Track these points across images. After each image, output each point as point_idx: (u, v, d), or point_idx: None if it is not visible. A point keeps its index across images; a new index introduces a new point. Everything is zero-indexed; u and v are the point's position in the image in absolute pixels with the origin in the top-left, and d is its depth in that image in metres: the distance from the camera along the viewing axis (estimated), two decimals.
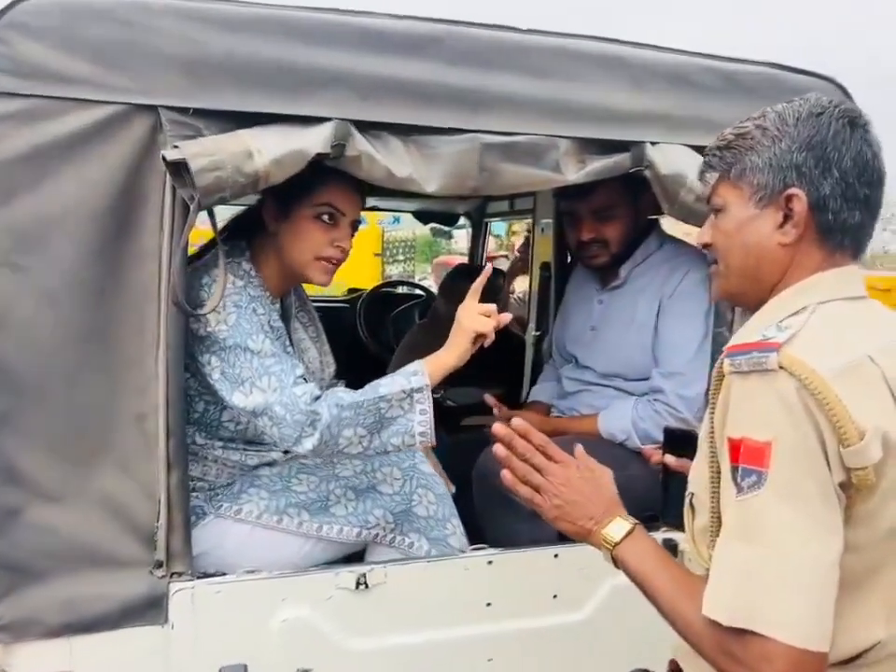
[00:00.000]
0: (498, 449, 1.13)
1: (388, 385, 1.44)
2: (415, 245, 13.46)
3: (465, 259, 5.40)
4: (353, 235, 1.58)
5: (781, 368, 0.87)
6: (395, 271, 11.96)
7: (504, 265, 5.22)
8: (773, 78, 1.66)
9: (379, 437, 1.45)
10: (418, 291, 4.17)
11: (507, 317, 1.52)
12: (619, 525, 1.08)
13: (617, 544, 1.07)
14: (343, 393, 1.44)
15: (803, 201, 0.98)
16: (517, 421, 1.14)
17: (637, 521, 1.09)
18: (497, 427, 1.14)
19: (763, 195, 1.00)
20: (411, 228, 11.73)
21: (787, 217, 0.99)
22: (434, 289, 4.27)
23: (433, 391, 2.96)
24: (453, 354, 1.49)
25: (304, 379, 1.47)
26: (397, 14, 1.41)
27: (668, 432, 1.34)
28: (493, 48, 1.46)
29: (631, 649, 1.67)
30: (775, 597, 0.85)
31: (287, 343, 1.61)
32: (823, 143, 0.97)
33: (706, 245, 1.09)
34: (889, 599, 0.94)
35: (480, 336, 1.49)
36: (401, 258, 12.91)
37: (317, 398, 1.42)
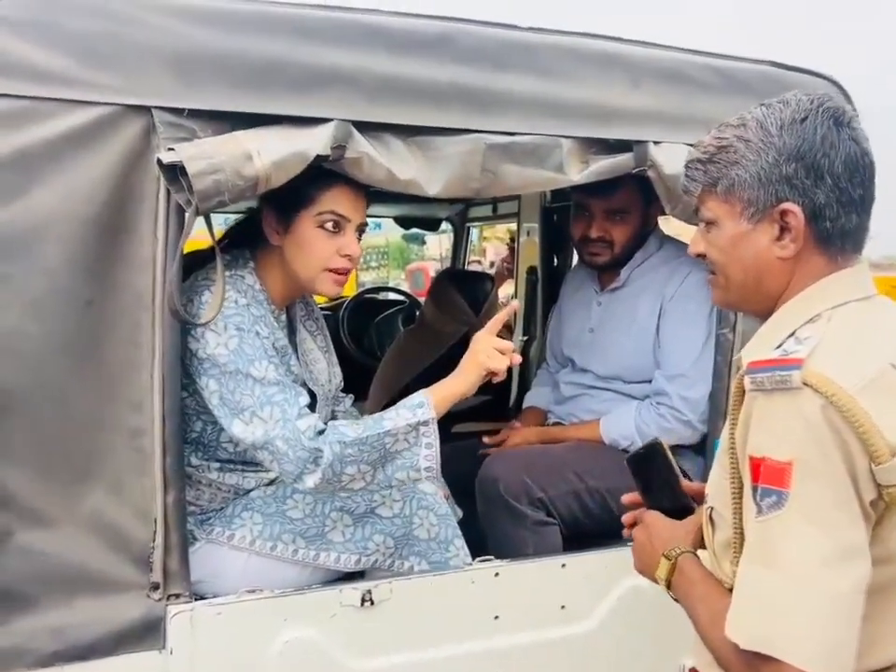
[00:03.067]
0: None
1: (393, 418, 1.37)
2: (388, 251, 13.40)
3: (438, 266, 5.36)
4: (360, 239, 1.50)
5: (806, 385, 0.85)
6: (368, 277, 11.88)
7: (482, 271, 5.20)
8: (771, 77, 1.65)
9: (383, 471, 1.39)
10: (400, 297, 4.12)
11: (518, 359, 1.47)
12: (662, 565, 1.06)
13: (668, 585, 1.05)
14: (344, 427, 1.36)
15: (799, 215, 0.95)
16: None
17: (681, 551, 1.05)
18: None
19: (756, 210, 0.97)
20: (383, 234, 11.65)
21: (783, 230, 0.97)
22: None
23: None
24: (461, 385, 1.42)
25: (310, 408, 1.40)
26: (401, 12, 1.37)
27: (631, 460, 1.23)
28: (497, 46, 1.42)
29: (641, 657, 1.65)
30: (794, 624, 0.83)
31: (294, 360, 1.53)
32: (812, 150, 0.94)
33: (699, 255, 1.07)
34: None
35: (491, 372, 1.43)
36: (374, 264, 12.83)
37: (321, 432, 1.35)
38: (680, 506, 1.16)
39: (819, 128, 0.95)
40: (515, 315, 3.12)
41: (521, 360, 1.48)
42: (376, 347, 3.49)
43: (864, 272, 1.01)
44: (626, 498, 1.24)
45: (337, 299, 3.97)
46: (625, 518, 1.23)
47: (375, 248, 12.60)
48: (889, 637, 0.91)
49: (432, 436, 1.38)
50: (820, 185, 0.94)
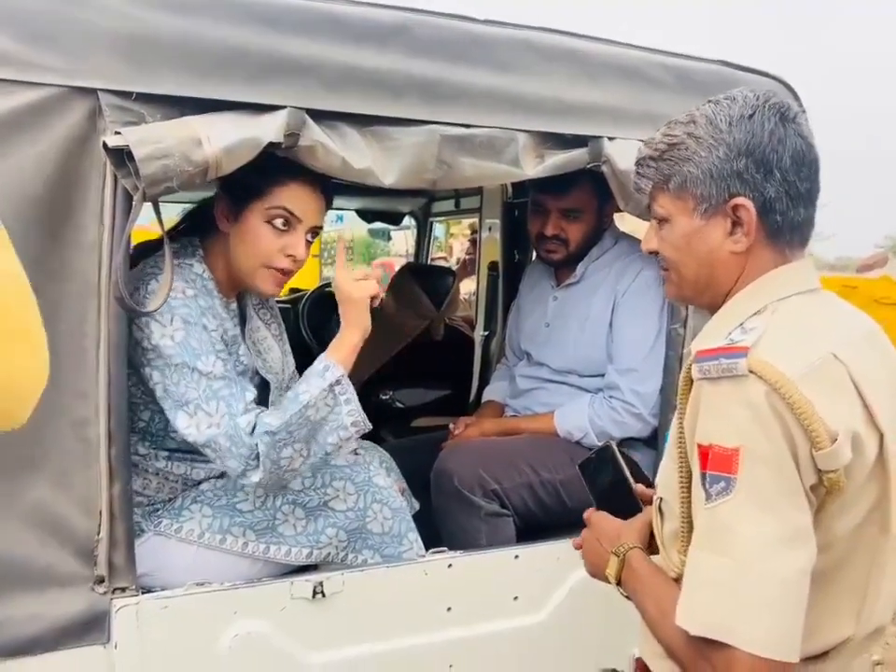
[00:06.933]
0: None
1: (307, 390, 1.37)
2: (353, 246, 13.31)
3: (404, 261, 5.35)
4: (311, 243, 1.48)
5: (751, 372, 0.86)
6: (332, 272, 11.80)
7: (445, 266, 5.20)
8: (723, 76, 1.68)
9: (316, 442, 1.39)
10: None
11: (379, 273, 1.47)
12: (611, 562, 1.07)
13: (618, 583, 1.06)
14: (268, 417, 1.36)
15: (750, 209, 0.97)
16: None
17: (630, 547, 1.06)
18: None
19: (708, 206, 0.99)
20: (349, 229, 11.58)
21: (735, 224, 0.98)
22: None
23: (381, 392, 2.91)
24: (356, 331, 1.42)
25: (263, 398, 1.39)
26: (357, 1, 1.36)
27: (582, 465, 1.24)
28: (454, 38, 1.42)
29: (592, 647, 1.67)
30: (744, 609, 0.84)
31: (243, 350, 1.51)
32: (761, 145, 0.96)
33: (652, 252, 1.08)
34: (855, 595, 0.94)
35: (372, 299, 1.43)
36: None
37: (255, 427, 1.35)
38: (630, 508, 1.17)
39: (767, 123, 0.97)
40: (476, 310, 3.13)
41: (380, 275, 1.47)
42: None
43: (809, 266, 1.03)
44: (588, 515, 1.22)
45: (297, 291, 3.94)
46: (576, 542, 1.21)
47: None
48: (826, 622, 0.93)
49: (348, 391, 1.39)
50: (770, 179, 0.96)
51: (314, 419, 1.37)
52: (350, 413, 1.39)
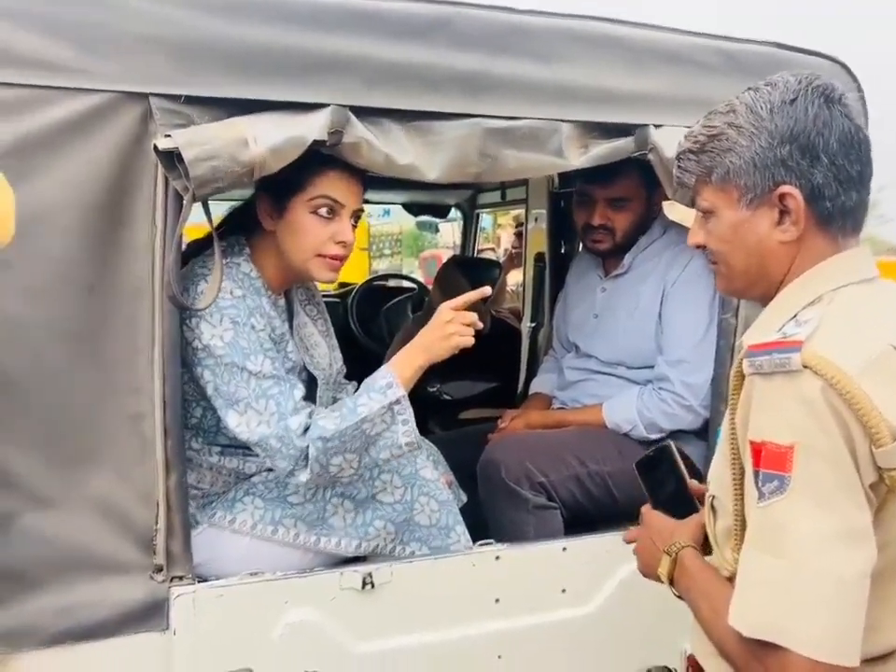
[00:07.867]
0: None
1: (366, 404, 1.39)
2: (402, 239, 13.38)
3: (452, 253, 5.36)
4: (356, 226, 1.50)
5: (806, 367, 0.83)
6: (381, 265, 11.87)
7: (491, 258, 5.18)
8: (774, 58, 1.63)
9: (368, 455, 1.42)
10: (410, 284, 4.12)
11: (480, 325, 1.45)
12: (664, 562, 1.05)
13: (671, 583, 1.04)
14: (324, 421, 1.38)
15: (797, 197, 0.94)
16: None
17: (682, 546, 1.04)
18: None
19: (753, 196, 0.96)
20: (397, 222, 11.65)
21: (782, 213, 0.96)
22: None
23: (429, 385, 2.93)
24: (427, 360, 1.43)
25: (310, 394, 1.41)
26: None
27: (640, 464, 1.22)
28: (495, 29, 1.42)
29: (641, 641, 1.65)
30: (798, 610, 0.81)
31: (291, 346, 1.54)
32: (805, 130, 0.93)
33: (699, 246, 1.06)
34: None
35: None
36: (388, 252, 12.82)
37: (307, 428, 1.38)
38: (687, 509, 1.14)
39: (811, 107, 0.94)
40: (523, 301, 3.12)
41: (482, 326, 1.45)
42: (385, 334, 3.49)
43: (865, 254, 1.00)
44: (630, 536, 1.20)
45: (346, 285, 3.99)
46: (626, 536, 1.21)
47: (389, 236, 12.58)
48: (887, 621, 0.89)
49: (406, 412, 1.41)
50: (817, 165, 0.94)
51: (369, 433, 1.39)
52: (406, 434, 1.41)
